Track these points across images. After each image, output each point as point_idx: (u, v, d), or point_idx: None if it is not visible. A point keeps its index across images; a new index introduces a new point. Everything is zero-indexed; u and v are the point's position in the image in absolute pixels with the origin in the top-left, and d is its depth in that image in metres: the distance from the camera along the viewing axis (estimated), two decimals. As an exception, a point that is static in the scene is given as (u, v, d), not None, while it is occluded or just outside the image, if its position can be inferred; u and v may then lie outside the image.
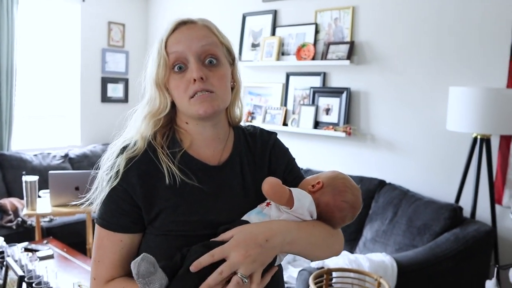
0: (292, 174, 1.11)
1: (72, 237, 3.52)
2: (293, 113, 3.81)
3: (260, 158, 1.08)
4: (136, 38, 4.97)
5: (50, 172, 3.22)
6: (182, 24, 0.99)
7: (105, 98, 4.77)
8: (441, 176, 3.11)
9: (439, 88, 3.07)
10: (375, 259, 2.35)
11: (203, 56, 0.96)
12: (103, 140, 4.74)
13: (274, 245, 0.90)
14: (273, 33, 3.92)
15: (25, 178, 3.12)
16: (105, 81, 4.75)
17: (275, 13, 3.95)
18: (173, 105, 1.01)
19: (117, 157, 0.97)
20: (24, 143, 4.27)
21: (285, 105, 3.85)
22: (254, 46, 4.05)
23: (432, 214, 2.77)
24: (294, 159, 1.16)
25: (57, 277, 2.23)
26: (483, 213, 2.86)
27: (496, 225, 2.80)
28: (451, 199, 2.94)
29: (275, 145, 1.12)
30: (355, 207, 1.03)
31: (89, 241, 3.34)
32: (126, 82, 4.89)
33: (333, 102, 3.55)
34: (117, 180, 0.94)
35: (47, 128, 4.51)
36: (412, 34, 3.19)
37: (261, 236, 0.89)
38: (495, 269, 2.44)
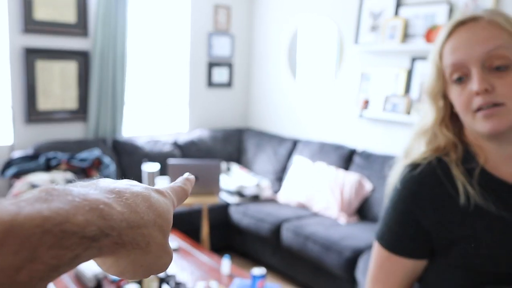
0: None
1: (186, 225, 3.50)
2: (419, 102, 3.47)
3: None
4: (240, 20, 4.83)
5: (170, 162, 3.18)
6: (461, 25, 0.80)
7: (210, 83, 4.71)
8: None
9: None
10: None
11: (488, 63, 0.78)
12: (209, 126, 4.69)
13: None
14: (396, 14, 3.59)
15: (146, 167, 3.10)
16: (211, 66, 4.68)
17: (398, -9, 3.61)
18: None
19: (403, 177, 0.91)
20: (133, 129, 4.32)
21: (409, 93, 3.53)
22: (374, 28, 3.74)
23: None
24: None
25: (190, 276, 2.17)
26: None
27: None
28: None
29: None
30: None
31: (203, 232, 3.30)
32: (230, 66, 4.79)
33: (469, 91, 3.17)
34: (405, 203, 0.90)
35: (154, 114, 4.53)
36: None
37: None
38: None
